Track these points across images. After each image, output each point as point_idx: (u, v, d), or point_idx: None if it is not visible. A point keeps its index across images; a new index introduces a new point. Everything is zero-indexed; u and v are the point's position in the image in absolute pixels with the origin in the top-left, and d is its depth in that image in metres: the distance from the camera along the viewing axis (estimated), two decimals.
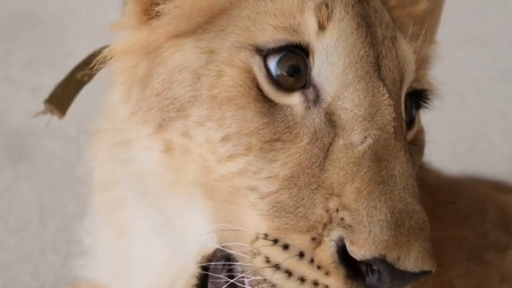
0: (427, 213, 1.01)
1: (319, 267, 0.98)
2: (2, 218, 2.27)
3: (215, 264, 1.13)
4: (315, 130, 1.04)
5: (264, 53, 1.07)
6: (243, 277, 1.07)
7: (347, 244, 0.96)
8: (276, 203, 1.02)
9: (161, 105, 1.12)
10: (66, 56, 2.96)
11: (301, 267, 0.99)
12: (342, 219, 0.97)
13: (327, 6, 1.08)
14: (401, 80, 1.15)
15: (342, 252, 0.97)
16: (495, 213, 1.69)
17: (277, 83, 1.06)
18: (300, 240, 0.99)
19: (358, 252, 0.94)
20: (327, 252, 0.98)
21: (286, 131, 1.04)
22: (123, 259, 1.39)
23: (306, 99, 1.07)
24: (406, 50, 1.18)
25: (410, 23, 1.23)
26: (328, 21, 1.08)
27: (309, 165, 1.02)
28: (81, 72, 1.36)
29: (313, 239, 0.99)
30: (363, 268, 0.97)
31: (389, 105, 1.06)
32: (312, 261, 0.99)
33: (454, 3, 1.82)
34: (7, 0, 3.37)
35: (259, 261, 1.02)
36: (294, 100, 1.06)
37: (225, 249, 1.09)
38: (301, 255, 0.99)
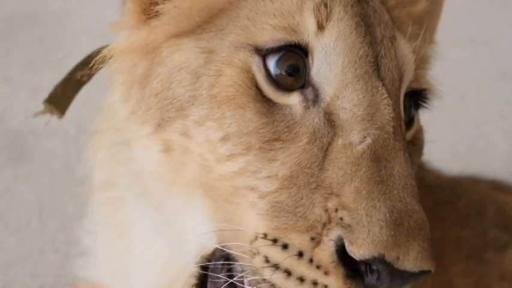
0: (426, 212, 1.00)
1: (318, 267, 0.98)
2: (1, 218, 2.27)
3: (214, 264, 1.13)
4: (314, 130, 1.04)
5: (263, 53, 1.07)
6: (242, 277, 1.07)
7: (346, 244, 0.96)
8: (275, 202, 1.02)
9: (160, 105, 1.13)
10: (66, 56, 2.96)
11: (301, 267, 0.99)
12: (341, 218, 0.97)
13: (325, 6, 1.08)
14: (400, 79, 1.15)
15: (341, 252, 0.97)
16: (494, 213, 1.69)
17: (276, 83, 1.06)
18: (299, 240, 0.99)
19: (357, 252, 0.94)
20: (326, 252, 0.98)
21: (285, 130, 1.04)
22: (122, 259, 1.40)
23: (305, 99, 1.07)
24: (405, 49, 1.18)
25: (410, 23, 1.23)
26: (327, 21, 1.08)
27: (308, 165, 1.02)
28: (80, 72, 1.36)
29: (312, 238, 0.99)
30: (362, 268, 0.97)
31: (388, 105, 1.06)
32: (311, 260, 0.99)
33: (454, 3, 1.83)
34: (7, 0, 3.37)
35: (258, 261, 1.02)
36: (293, 100, 1.06)
37: (224, 249, 1.09)
38: (300, 254, 0.99)
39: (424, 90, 1.26)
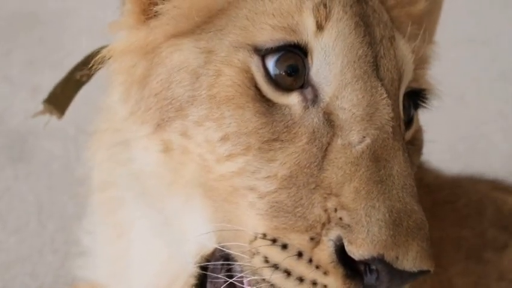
0: (425, 212, 1.00)
1: (317, 267, 0.98)
2: (1, 218, 2.27)
3: (214, 264, 1.13)
4: (313, 130, 1.04)
5: (262, 53, 1.07)
6: (241, 277, 1.07)
7: (345, 244, 0.96)
8: (275, 202, 1.02)
9: (160, 105, 1.12)
10: (66, 56, 2.96)
11: (300, 267, 0.99)
12: (341, 218, 0.97)
13: (325, 6, 1.08)
14: (400, 79, 1.15)
15: (341, 252, 0.97)
16: (493, 212, 1.69)
17: (276, 83, 1.06)
18: (298, 240, 0.99)
19: (357, 251, 0.94)
20: (325, 252, 0.98)
21: (284, 130, 1.04)
22: (121, 259, 1.40)
23: (304, 99, 1.07)
24: (405, 49, 1.18)
25: (409, 23, 1.23)
26: (326, 21, 1.08)
27: (308, 165, 1.02)
28: (79, 72, 1.36)
29: (312, 238, 0.99)
30: (362, 268, 0.97)
31: (388, 105, 1.06)
32: (310, 261, 0.99)
33: (454, 3, 1.83)
34: (7, 0, 3.37)
35: (258, 261, 1.02)
36: (292, 100, 1.06)
37: (223, 249, 1.09)
38: (300, 255, 0.99)
39: (423, 90, 1.26)
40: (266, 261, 1.01)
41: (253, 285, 1.04)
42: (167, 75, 1.12)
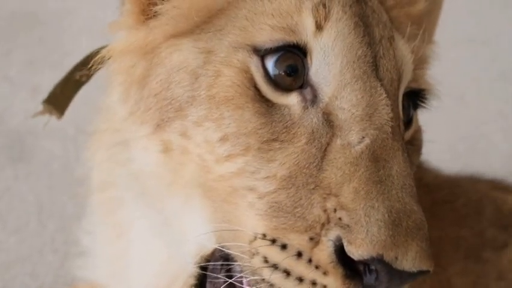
0: (425, 212, 1.01)
1: (317, 267, 0.98)
2: (1, 218, 2.27)
3: (214, 264, 1.13)
4: (312, 130, 1.04)
5: (261, 53, 1.07)
6: (241, 277, 1.07)
7: (345, 244, 0.96)
8: (274, 203, 1.02)
9: (159, 105, 1.12)
10: (66, 56, 2.96)
11: (299, 267, 0.99)
12: (340, 219, 0.97)
13: (324, 6, 1.08)
14: (399, 80, 1.15)
15: (340, 252, 0.97)
16: (493, 212, 1.69)
17: (275, 83, 1.06)
18: (298, 240, 0.99)
19: (356, 252, 0.94)
20: (324, 252, 0.98)
21: (284, 131, 1.04)
22: (121, 259, 1.39)
23: (304, 99, 1.07)
24: (404, 50, 1.18)
25: (408, 23, 1.23)
26: (325, 21, 1.08)
27: (307, 165, 1.02)
28: (79, 72, 1.36)
29: (311, 238, 0.99)
30: (361, 268, 0.97)
31: (387, 105, 1.06)
32: (310, 261, 0.99)
33: (454, 3, 1.83)
34: (7, 0, 3.37)
35: (257, 261, 1.02)
36: (292, 100, 1.06)
37: (223, 249, 1.09)
38: (299, 255, 0.99)
39: (423, 90, 1.26)
40: (265, 261, 1.01)
41: (252, 285, 1.04)
42: (166, 75, 1.12)
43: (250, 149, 1.04)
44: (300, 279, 0.99)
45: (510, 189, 1.82)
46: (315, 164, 1.02)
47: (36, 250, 2.17)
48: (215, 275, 1.13)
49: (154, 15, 1.16)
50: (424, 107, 1.28)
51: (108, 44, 1.21)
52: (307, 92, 1.07)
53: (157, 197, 1.19)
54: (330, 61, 1.07)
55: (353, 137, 1.02)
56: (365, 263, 0.96)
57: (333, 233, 0.97)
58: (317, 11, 1.08)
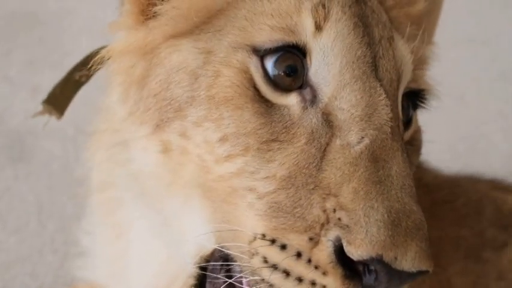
0: (424, 212, 1.01)
1: (316, 267, 0.98)
2: (1, 218, 2.27)
3: (213, 265, 1.13)
4: (312, 130, 1.04)
5: (261, 54, 1.07)
6: (241, 277, 1.07)
7: (344, 244, 0.96)
8: (274, 203, 1.02)
9: (159, 105, 1.12)
10: (65, 56, 2.96)
11: (299, 267, 0.99)
12: (339, 219, 0.97)
13: (323, 6, 1.08)
14: (398, 80, 1.15)
15: (339, 252, 0.97)
16: (492, 212, 1.69)
17: (274, 83, 1.06)
18: (297, 241, 0.99)
19: (355, 252, 0.94)
20: (324, 252, 0.98)
21: (283, 131, 1.04)
22: (121, 259, 1.40)
23: (303, 100, 1.07)
24: (403, 50, 1.18)
25: (408, 23, 1.23)
26: (325, 21, 1.07)
27: (306, 166, 1.02)
28: (79, 72, 1.36)
29: (311, 239, 0.99)
30: (360, 268, 0.97)
31: (386, 106, 1.06)
32: (309, 261, 0.99)
33: (454, 3, 1.83)
34: (7, 0, 3.37)
35: (257, 262, 1.02)
36: (291, 100, 1.06)
37: (223, 250, 1.09)
38: (299, 255, 0.99)
39: (422, 90, 1.26)
40: (265, 261, 1.01)
41: (252, 286, 1.04)
42: (166, 75, 1.12)
43: (249, 149, 1.04)
44: (300, 280, 0.99)
45: (510, 189, 1.81)
46: (314, 164, 1.02)
47: (36, 250, 2.17)
48: (215, 275, 1.13)
49: (153, 16, 1.16)
50: (424, 107, 1.28)
51: (107, 44, 1.21)
52: (307, 92, 1.07)
53: (157, 197, 1.19)
54: (330, 61, 1.07)
55: (352, 137, 1.02)
56: (364, 263, 0.96)
57: (333, 233, 0.97)
58: (316, 11, 1.08)
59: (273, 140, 1.04)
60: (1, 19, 3.25)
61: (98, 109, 1.38)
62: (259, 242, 1.02)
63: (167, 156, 1.13)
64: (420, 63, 1.26)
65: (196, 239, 1.12)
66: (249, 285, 1.06)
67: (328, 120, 1.05)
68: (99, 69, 1.22)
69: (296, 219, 1.00)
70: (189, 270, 1.18)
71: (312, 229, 0.99)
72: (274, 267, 1.00)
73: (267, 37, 1.07)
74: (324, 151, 1.03)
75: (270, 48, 1.06)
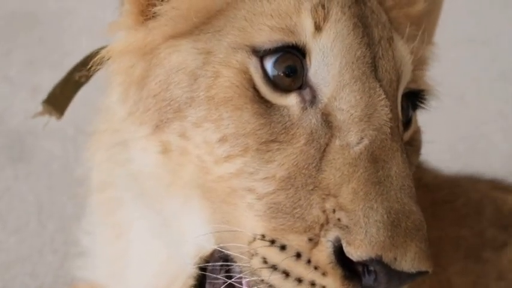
0: (424, 212, 1.01)
1: (316, 268, 0.98)
2: (1, 218, 2.27)
3: (213, 265, 1.13)
4: (311, 131, 1.04)
5: (260, 54, 1.07)
6: (240, 277, 1.07)
7: (344, 245, 0.96)
8: (273, 203, 1.02)
9: (158, 106, 1.12)
10: (65, 56, 2.96)
11: (298, 268, 0.99)
12: (339, 219, 0.97)
13: (323, 7, 1.08)
14: (398, 80, 1.15)
15: (339, 253, 0.97)
16: (493, 212, 1.69)
17: (274, 84, 1.06)
18: (297, 241, 0.99)
19: (355, 253, 0.94)
20: (323, 253, 0.98)
21: (282, 131, 1.04)
22: (120, 259, 1.40)
23: (303, 100, 1.07)
24: (403, 50, 1.18)
25: (408, 24, 1.23)
26: (324, 22, 1.07)
27: (306, 166, 1.02)
28: (78, 73, 1.36)
29: (310, 239, 0.99)
30: (360, 269, 0.97)
31: (386, 106, 1.06)
32: (309, 261, 0.99)
33: (454, 3, 1.83)
34: (7, 0, 3.36)
35: (256, 262, 1.02)
36: (291, 101, 1.06)
37: (222, 250, 1.09)
38: (298, 255, 0.99)
39: (422, 91, 1.26)
40: (265, 262, 1.01)
41: (252, 286, 1.04)
42: (165, 76, 1.12)
43: (249, 150, 1.04)
44: (299, 280, 0.99)
45: (510, 189, 1.81)
46: (313, 165, 1.02)
47: (36, 250, 2.17)
48: (214, 275, 1.13)
49: (153, 16, 1.16)
50: (423, 108, 1.28)
51: (107, 44, 1.21)
52: (306, 92, 1.07)
53: (157, 198, 1.19)
54: (329, 62, 1.07)
55: (352, 138, 1.02)
56: (364, 264, 0.96)
57: (332, 234, 0.97)
58: (316, 12, 1.08)
59: (273, 141, 1.04)
60: (1, 19, 3.24)
61: (97, 109, 1.38)
62: (258, 243, 1.02)
63: (167, 157, 1.13)
64: (420, 63, 1.26)
65: (196, 240, 1.12)
66: (248, 286, 1.06)
67: (327, 120, 1.05)
68: (98, 69, 1.22)
69: (295, 220, 1.00)
70: (189, 270, 1.18)
71: (311, 230, 0.99)
72: (274, 267, 1.00)
73: (266, 38, 1.07)
74: (323, 152, 1.03)
75: (270, 49, 1.06)
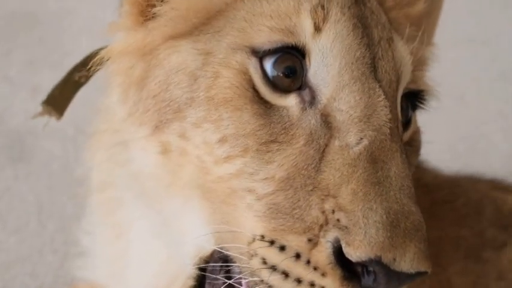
0: (424, 212, 1.01)
1: (315, 269, 0.98)
2: (1, 218, 2.27)
3: (213, 266, 1.13)
4: (310, 131, 1.04)
5: (260, 55, 1.07)
6: (240, 278, 1.07)
7: (343, 245, 0.96)
8: (272, 204, 1.02)
9: (158, 106, 1.12)
10: (65, 56, 2.96)
11: (298, 269, 0.99)
12: (338, 220, 0.97)
13: (322, 7, 1.08)
14: (398, 81, 1.15)
15: (338, 254, 0.97)
16: (493, 212, 1.69)
17: (273, 84, 1.06)
18: (296, 242, 0.99)
19: (354, 253, 0.94)
20: (323, 254, 0.98)
21: (282, 132, 1.04)
22: (120, 259, 1.40)
23: (302, 101, 1.07)
24: (403, 51, 1.18)
25: (407, 24, 1.23)
26: (324, 22, 1.07)
27: (305, 167, 1.02)
28: (78, 73, 1.36)
29: (310, 240, 0.99)
30: (359, 269, 0.97)
31: (385, 107, 1.06)
32: (308, 262, 0.99)
33: (454, 3, 1.82)
34: (7, 0, 3.36)
35: (256, 263, 1.02)
36: (290, 101, 1.06)
37: (222, 251, 1.09)
38: (298, 256, 0.99)
39: (422, 91, 1.25)
40: (264, 262, 1.01)
41: (251, 287, 1.04)
42: (165, 77, 1.12)
43: (248, 151, 1.04)
44: (299, 281, 0.99)
45: (510, 189, 1.81)
46: (313, 166, 1.02)
47: (36, 250, 2.17)
48: (214, 276, 1.13)
49: (152, 17, 1.16)
50: (423, 108, 1.28)
51: (107, 44, 1.21)
52: (306, 93, 1.07)
53: (156, 198, 1.19)
54: (329, 62, 1.07)
55: (351, 139, 1.02)
56: (363, 265, 0.96)
57: (331, 235, 0.97)
58: (315, 12, 1.08)
59: (272, 141, 1.04)
60: (1, 19, 3.24)
61: (97, 110, 1.38)
62: (258, 243, 1.02)
63: (166, 157, 1.13)
64: (419, 64, 1.26)
65: (196, 240, 1.12)
66: (248, 286, 1.06)
67: (327, 121, 1.05)
68: (98, 70, 1.23)
69: (295, 221, 1.00)
70: (189, 271, 1.18)
71: (310, 230, 0.99)
72: (273, 268, 1.00)
73: (266, 38, 1.07)
74: (322, 152, 1.03)
75: (269, 49, 1.06)
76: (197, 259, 1.15)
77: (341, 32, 1.08)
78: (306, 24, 1.07)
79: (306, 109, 1.06)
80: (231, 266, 1.10)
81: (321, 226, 0.98)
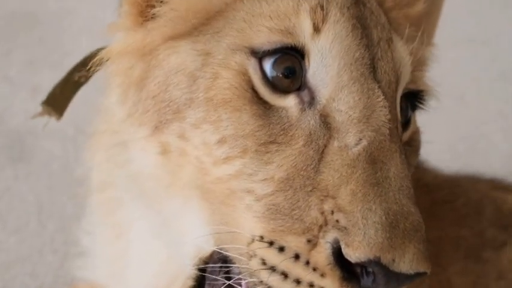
0: (423, 212, 1.01)
1: (314, 269, 0.98)
2: (1, 218, 2.28)
3: (212, 266, 1.13)
4: (309, 132, 1.04)
5: (259, 55, 1.07)
6: (239, 279, 1.07)
7: (342, 246, 0.96)
8: (272, 205, 1.02)
9: (157, 107, 1.12)
10: (65, 56, 2.96)
11: (297, 269, 0.99)
12: (337, 221, 0.97)
13: (322, 8, 1.08)
14: (397, 81, 1.15)
15: (338, 254, 0.97)
16: (493, 212, 1.69)
17: (273, 85, 1.06)
18: (295, 242, 0.99)
19: (353, 254, 0.94)
20: (322, 254, 0.98)
21: (281, 133, 1.04)
22: (120, 259, 1.40)
23: (301, 101, 1.06)
24: (402, 51, 1.18)
25: (407, 25, 1.23)
26: (323, 23, 1.07)
27: (304, 168, 1.02)
28: (78, 73, 1.36)
29: (309, 241, 0.99)
30: (358, 270, 0.97)
31: (385, 107, 1.06)
32: (307, 263, 0.99)
33: (454, 3, 1.82)
34: (6, 0, 3.36)
35: (255, 263, 1.02)
36: (289, 102, 1.06)
37: (221, 251, 1.09)
38: (297, 257, 0.99)
39: (421, 91, 1.25)
40: (263, 263, 1.01)
41: (251, 287, 1.04)
42: (164, 77, 1.12)
43: (247, 151, 1.04)
44: (298, 282, 0.99)
45: (510, 189, 1.81)
46: (312, 166, 1.02)
47: (36, 250, 2.17)
48: (214, 276, 1.13)
49: (152, 17, 1.16)
50: (422, 108, 1.28)
51: (107, 44, 1.21)
52: (305, 94, 1.07)
53: (156, 199, 1.19)
54: (328, 63, 1.07)
55: (350, 139, 1.02)
56: (362, 266, 0.96)
57: (331, 235, 0.97)
58: (315, 13, 1.07)
59: (271, 142, 1.04)
60: (1, 19, 3.24)
61: (97, 110, 1.38)
62: (257, 244, 1.02)
63: (166, 158, 1.13)
64: (419, 64, 1.26)
65: (195, 241, 1.12)
66: (247, 287, 1.06)
67: (326, 122, 1.05)
68: (98, 70, 1.23)
69: (294, 221, 1.00)
70: (188, 271, 1.18)
71: (310, 231, 0.99)
72: (273, 269, 1.00)
73: (265, 39, 1.07)
74: (321, 153, 1.03)
75: (269, 50, 1.06)
76: (197, 260, 1.15)
77: (340, 33, 1.08)
78: (305, 25, 1.07)
79: (305, 110, 1.06)
80: (231, 266, 1.10)
81: (320, 227, 0.98)
